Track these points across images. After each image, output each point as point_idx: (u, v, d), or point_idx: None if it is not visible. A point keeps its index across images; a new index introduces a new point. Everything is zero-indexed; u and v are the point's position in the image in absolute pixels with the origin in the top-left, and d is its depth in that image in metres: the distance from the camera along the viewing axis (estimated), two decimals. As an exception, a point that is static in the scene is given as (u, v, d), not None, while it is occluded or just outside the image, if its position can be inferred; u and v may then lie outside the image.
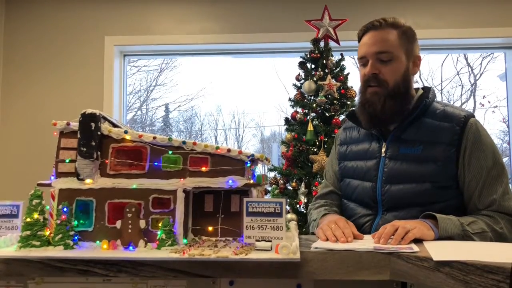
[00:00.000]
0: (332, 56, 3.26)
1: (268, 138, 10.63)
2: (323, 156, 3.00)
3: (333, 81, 3.15)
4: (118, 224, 1.12)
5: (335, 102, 3.18)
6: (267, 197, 3.07)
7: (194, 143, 1.20)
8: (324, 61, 3.24)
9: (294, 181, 3.15)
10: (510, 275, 0.78)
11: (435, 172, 1.37)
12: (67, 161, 1.22)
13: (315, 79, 3.19)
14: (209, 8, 3.85)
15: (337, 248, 1.05)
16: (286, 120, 3.32)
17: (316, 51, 3.24)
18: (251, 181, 1.21)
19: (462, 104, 8.10)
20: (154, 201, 1.18)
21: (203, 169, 1.20)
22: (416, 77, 1.55)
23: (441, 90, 8.08)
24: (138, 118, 9.32)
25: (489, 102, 7.69)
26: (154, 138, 1.21)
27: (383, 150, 1.48)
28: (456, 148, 1.37)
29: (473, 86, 8.26)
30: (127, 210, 1.13)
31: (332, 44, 3.28)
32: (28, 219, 1.10)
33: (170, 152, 1.21)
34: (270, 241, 1.05)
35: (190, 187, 1.19)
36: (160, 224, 1.13)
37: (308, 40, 3.30)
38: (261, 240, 1.06)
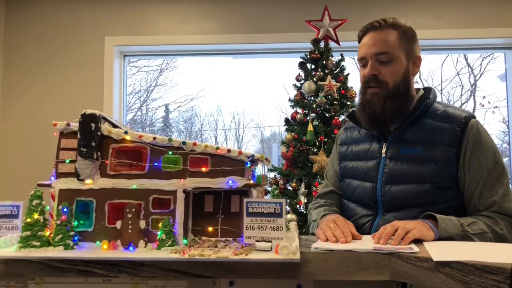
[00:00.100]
0: (332, 56, 3.26)
1: (268, 139, 10.63)
2: (323, 156, 3.00)
3: (333, 82, 3.15)
4: (118, 224, 1.12)
5: (335, 102, 3.18)
6: (267, 197, 3.07)
7: (194, 144, 1.21)
8: (324, 62, 3.24)
9: (294, 181, 3.15)
10: (510, 275, 0.78)
11: (435, 172, 1.37)
12: (67, 161, 1.22)
13: (315, 79, 3.19)
14: (209, 8, 3.85)
15: (337, 249, 1.05)
16: (286, 120, 3.32)
17: (316, 52, 3.24)
18: (251, 182, 1.21)
19: (462, 104, 8.10)
20: (154, 201, 1.18)
21: (203, 169, 1.20)
22: (416, 77, 1.55)
23: (441, 90, 8.08)
24: (138, 118, 9.32)
25: (489, 103, 7.70)
26: (154, 138, 1.21)
27: (384, 150, 1.48)
28: (456, 149, 1.37)
29: (473, 87, 8.26)
30: (127, 210, 1.13)
31: (332, 44, 3.28)
32: (28, 220, 1.10)
33: (170, 152, 1.21)
34: (270, 242, 1.05)
35: (190, 188, 1.19)
36: (160, 225, 1.13)
37: (308, 40, 3.30)
38: (261, 241, 1.06)
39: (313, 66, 3.28)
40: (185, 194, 1.18)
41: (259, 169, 1.37)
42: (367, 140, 1.55)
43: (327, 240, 1.20)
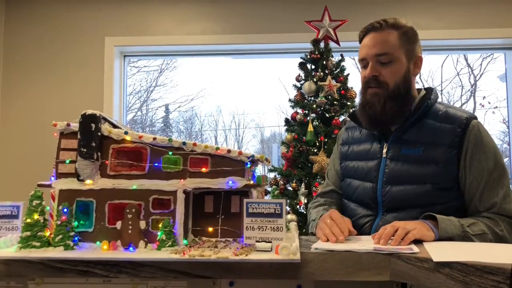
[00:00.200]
0: (332, 57, 3.26)
1: (268, 139, 10.63)
2: (323, 156, 3.00)
3: (333, 82, 3.15)
4: (118, 224, 1.12)
5: (335, 103, 3.18)
6: (267, 197, 3.07)
7: (194, 144, 1.21)
8: (324, 62, 3.24)
9: (294, 181, 3.15)
10: (510, 276, 0.78)
11: (436, 173, 1.37)
12: (68, 161, 1.22)
13: (315, 79, 3.19)
14: (209, 8, 3.85)
15: (337, 249, 1.05)
16: (286, 120, 3.32)
17: (316, 52, 3.24)
18: (251, 182, 1.21)
19: (462, 104, 8.10)
20: (154, 202, 1.18)
21: (203, 170, 1.20)
22: (416, 77, 1.55)
23: (441, 90, 8.08)
24: (138, 118, 9.32)
25: (489, 103, 7.70)
26: (154, 139, 1.21)
27: (384, 150, 1.47)
28: (457, 150, 1.37)
29: (473, 87, 8.26)
30: (127, 211, 1.13)
31: (332, 45, 3.28)
32: (28, 220, 1.10)
33: (170, 153, 1.21)
34: (270, 242, 1.05)
35: (190, 188, 1.19)
36: (160, 225, 1.13)
37: (308, 41, 3.30)
38: (261, 241, 1.06)
39: (313, 67, 3.28)
40: (185, 195, 1.18)
41: (259, 170, 1.37)
42: (368, 140, 1.55)
43: (327, 240, 1.21)
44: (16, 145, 3.82)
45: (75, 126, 1.23)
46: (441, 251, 1.01)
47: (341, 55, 3.34)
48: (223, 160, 1.20)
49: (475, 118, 1.41)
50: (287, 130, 3.31)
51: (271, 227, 1.07)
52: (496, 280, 0.80)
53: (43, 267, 1.04)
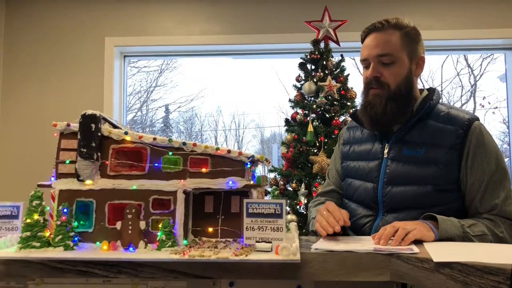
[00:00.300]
0: (332, 57, 3.26)
1: (268, 139, 10.64)
2: (323, 157, 3.00)
3: (333, 82, 3.15)
4: (118, 225, 1.12)
5: (335, 103, 3.18)
6: (267, 198, 3.07)
7: (194, 144, 1.20)
8: (324, 62, 3.24)
9: (294, 182, 3.15)
10: (510, 276, 0.77)
11: (437, 174, 1.36)
12: (67, 162, 1.22)
13: (315, 80, 3.19)
14: (209, 9, 3.85)
15: (337, 249, 1.05)
16: (286, 121, 3.32)
17: (316, 52, 3.24)
18: (251, 182, 1.21)
19: (462, 105, 8.11)
20: (154, 202, 1.18)
21: (203, 170, 1.20)
22: (418, 78, 1.54)
23: (441, 91, 8.08)
24: (138, 119, 9.32)
25: (489, 103, 7.70)
26: (154, 139, 1.21)
27: (386, 151, 1.47)
28: (459, 151, 1.36)
29: (473, 87, 8.27)
30: (127, 211, 1.13)
31: (332, 45, 3.28)
32: (28, 220, 1.10)
33: (170, 153, 1.21)
34: (270, 242, 1.05)
35: (190, 188, 1.19)
36: (160, 225, 1.13)
37: (308, 41, 3.30)
38: (261, 241, 1.06)
39: (313, 67, 3.28)
40: (185, 195, 1.18)
41: (259, 170, 1.37)
42: (370, 140, 1.55)
43: (326, 234, 1.25)
44: (16, 145, 3.82)
45: (75, 126, 1.23)
46: (441, 252, 1.01)
47: (341, 56, 3.34)
48: (223, 160, 1.20)
49: (477, 119, 1.41)
50: (287, 131, 3.31)
51: (271, 228, 1.07)
52: (496, 280, 0.79)
53: (43, 267, 1.04)
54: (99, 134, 1.22)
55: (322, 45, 3.26)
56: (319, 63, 3.24)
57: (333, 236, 1.30)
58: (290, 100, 3.30)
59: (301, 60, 3.32)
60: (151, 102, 9.43)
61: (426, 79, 7.78)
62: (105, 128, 1.23)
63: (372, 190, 1.46)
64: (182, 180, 1.19)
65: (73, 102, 3.79)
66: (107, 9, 3.88)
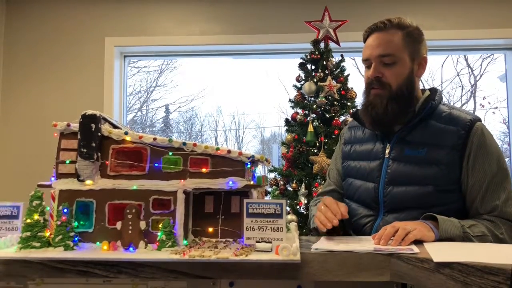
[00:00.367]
0: (332, 57, 3.26)
1: (268, 139, 10.64)
2: (323, 157, 3.00)
3: (334, 82, 3.15)
4: (118, 225, 1.12)
5: (335, 103, 3.18)
6: (267, 198, 3.07)
7: (195, 144, 1.20)
8: (325, 62, 3.24)
9: (294, 182, 3.15)
10: (510, 276, 0.77)
11: (438, 175, 1.36)
12: (68, 162, 1.22)
13: (315, 80, 3.19)
14: (209, 9, 3.85)
15: (337, 250, 1.05)
16: (286, 121, 3.32)
17: (316, 52, 3.24)
18: (251, 182, 1.21)
19: (462, 105, 8.11)
20: (155, 202, 1.18)
21: (204, 170, 1.20)
22: (420, 78, 1.54)
23: (441, 91, 8.09)
24: (138, 119, 9.33)
25: (489, 103, 7.70)
26: (155, 139, 1.21)
27: (387, 151, 1.47)
28: (460, 152, 1.36)
29: (473, 87, 8.27)
30: (127, 211, 1.13)
31: (332, 45, 3.28)
32: (29, 220, 1.10)
33: (171, 153, 1.21)
34: (270, 242, 1.05)
35: (191, 188, 1.19)
36: (160, 225, 1.13)
37: (308, 41, 3.30)
38: (261, 241, 1.06)
39: (313, 67, 3.28)
40: (185, 195, 1.18)
41: (259, 170, 1.37)
42: (371, 140, 1.54)
43: (326, 230, 1.28)
44: (16, 145, 3.82)
45: (75, 126, 1.23)
46: (442, 252, 1.01)
47: (341, 56, 3.34)
48: (223, 160, 1.20)
49: (479, 120, 1.41)
50: (287, 131, 3.31)
51: (271, 228, 1.07)
52: (496, 280, 0.79)
53: (43, 268, 1.04)
54: (99, 134, 1.22)
55: (322, 45, 3.26)
56: (319, 63, 3.24)
57: (332, 232, 1.32)
58: (290, 100, 3.30)
59: (301, 60, 3.31)
60: (151, 102, 9.44)
61: (426, 79, 7.78)
62: (105, 128, 1.23)
63: (373, 190, 1.46)
64: (182, 180, 1.19)
65: (73, 102, 3.79)
66: (107, 9, 3.88)
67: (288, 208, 3.06)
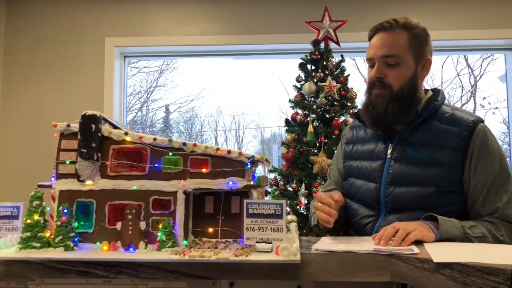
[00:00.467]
0: (332, 57, 3.26)
1: (268, 139, 10.64)
2: (323, 157, 3.00)
3: (334, 83, 3.15)
4: (119, 225, 1.12)
5: (335, 103, 3.18)
6: (267, 198, 3.07)
7: (195, 145, 1.20)
8: (325, 63, 3.24)
9: (294, 182, 3.15)
10: (510, 277, 0.77)
11: (440, 176, 1.36)
12: (68, 162, 1.22)
13: (315, 80, 3.19)
14: (209, 9, 3.85)
15: (337, 250, 1.05)
16: (286, 121, 3.32)
17: (317, 53, 3.24)
18: (251, 183, 1.21)
19: (463, 105, 8.11)
20: (155, 202, 1.18)
21: (204, 170, 1.20)
22: (424, 80, 1.52)
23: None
24: (138, 119, 9.33)
25: (489, 104, 7.70)
26: (155, 139, 1.21)
27: (389, 151, 1.46)
28: (463, 153, 1.35)
29: (473, 88, 8.27)
30: (128, 211, 1.13)
31: (332, 45, 3.28)
32: (29, 221, 1.10)
33: (171, 153, 1.21)
34: (271, 243, 1.05)
35: (191, 189, 1.19)
36: (160, 226, 1.13)
37: (308, 41, 3.30)
38: (262, 242, 1.06)
39: (313, 67, 3.28)
40: (185, 195, 1.18)
41: (259, 170, 1.37)
42: (373, 140, 1.54)
43: (329, 226, 1.32)
44: (17, 145, 3.82)
45: (75, 126, 1.23)
46: (442, 252, 1.01)
47: (341, 56, 3.34)
48: (223, 160, 1.20)
49: (482, 121, 1.40)
50: (287, 131, 3.31)
51: (271, 228, 1.07)
52: (496, 281, 0.79)
53: (43, 268, 1.04)
54: (99, 134, 1.22)
55: (322, 45, 3.26)
56: (319, 64, 3.24)
57: (335, 225, 1.36)
58: (290, 101, 3.30)
59: (301, 61, 3.31)
60: (151, 103, 9.45)
61: (426, 80, 7.77)
62: (105, 129, 1.23)
63: (375, 190, 1.46)
64: (182, 181, 1.19)
65: (73, 102, 3.79)
66: (107, 9, 3.88)
67: (288, 209, 3.05)
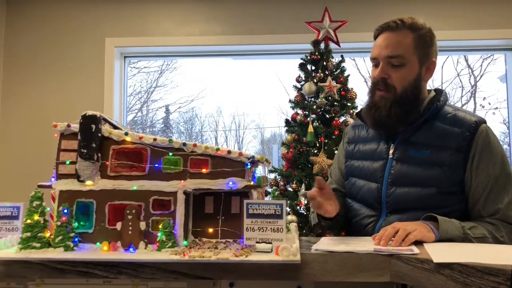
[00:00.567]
0: (332, 57, 3.26)
1: (269, 140, 10.64)
2: (324, 157, 3.00)
3: (334, 83, 3.15)
4: (119, 225, 1.12)
5: (335, 103, 3.18)
6: (268, 198, 3.07)
7: (195, 145, 1.21)
8: (325, 63, 3.23)
9: (294, 182, 3.15)
10: (510, 277, 0.77)
11: (441, 177, 1.35)
12: (68, 162, 1.22)
13: (315, 80, 3.19)
14: (209, 9, 3.86)
15: (337, 250, 1.05)
16: (287, 121, 3.32)
17: (317, 53, 3.23)
18: (252, 183, 1.21)
19: (463, 105, 8.11)
20: (155, 202, 1.18)
21: (204, 170, 1.20)
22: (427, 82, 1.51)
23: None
24: (138, 119, 9.33)
25: (489, 104, 7.70)
26: (155, 139, 1.21)
27: (391, 151, 1.46)
28: (464, 153, 1.35)
29: (474, 88, 8.27)
30: (128, 211, 1.13)
31: (332, 45, 3.27)
32: (29, 221, 1.10)
33: (171, 153, 1.21)
34: (271, 243, 1.05)
35: (191, 189, 1.19)
36: (160, 226, 1.13)
37: (308, 41, 3.30)
38: (262, 242, 1.06)
39: (313, 67, 3.28)
40: (185, 196, 1.18)
41: (260, 170, 1.37)
42: (375, 140, 1.53)
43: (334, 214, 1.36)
44: (17, 146, 3.82)
45: (75, 127, 1.23)
46: (442, 252, 1.01)
47: (342, 56, 3.34)
48: (223, 161, 1.20)
49: (484, 122, 1.39)
50: (287, 131, 3.31)
51: (271, 228, 1.07)
52: (496, 281, 0.79)
53: (43, 268, 1.04)
54: (100, 134, 1.22)
55: (322, 45, 3.26)
56: (319, 64, 3.24)
57: (334, 221, 1.37)
58: (290, 101, 3.30)
59: (301, 61, 3.31)
60: (152, 103, 9.45)
61: (426, 80, 7.78)
62: (106, 129, 1.24)
63: (376, 190, 1.46)
64: (182, 181, 1.19)
65: (74, 102, 3.78)
66: (107, 10, 3.88)
67: (288, 209, 3.05)
